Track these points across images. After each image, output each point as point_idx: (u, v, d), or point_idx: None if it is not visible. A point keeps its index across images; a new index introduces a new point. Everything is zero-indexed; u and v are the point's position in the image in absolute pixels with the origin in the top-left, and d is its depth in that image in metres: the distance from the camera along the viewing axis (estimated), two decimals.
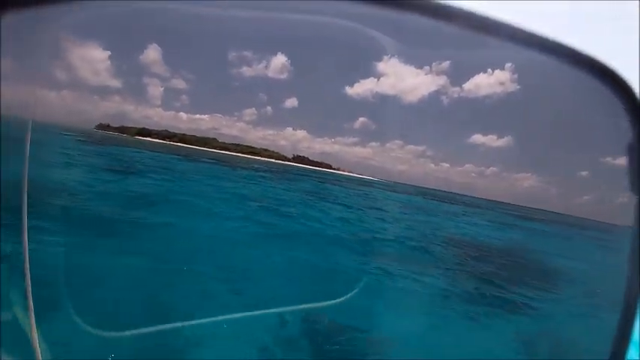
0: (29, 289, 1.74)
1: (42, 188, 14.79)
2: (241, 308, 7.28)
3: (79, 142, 51.98)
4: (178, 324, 4.93)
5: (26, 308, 1.77)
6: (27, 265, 1.75)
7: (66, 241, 9.56)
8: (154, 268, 8.89)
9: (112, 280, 7.93)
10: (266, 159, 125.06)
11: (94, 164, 28.69)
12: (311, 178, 58.84)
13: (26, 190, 1.76)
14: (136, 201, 16.17)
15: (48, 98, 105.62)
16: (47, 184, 15.94)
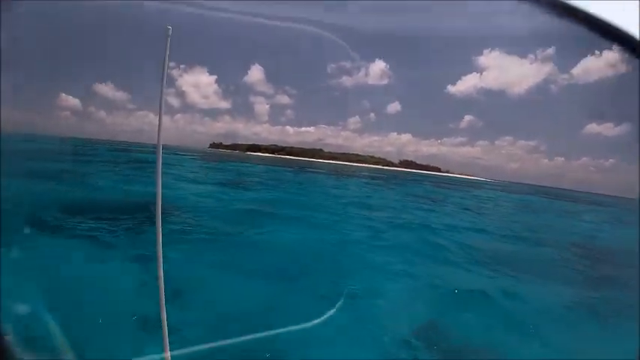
0: (162, 291, 1.87)
1: (166, 203, 15.79)
2: (362, 319, 6.84)
3: (193, 160, 56.42)
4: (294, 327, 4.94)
5: (159, 309, 1.89)
6: (160, 274, 1.87)
7: (188, 247, 10.47)
8: (275, 275, 8.91)
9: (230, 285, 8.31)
10: (373, 165, 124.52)
11: (213, 179, 30.69)
12: (420, 183, 55.83)
13: (160, 204, 1.94)
14: (252, 212, 16.17)
15: (165, 124, 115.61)
16: (171, 199, 17.24)
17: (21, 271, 7.65)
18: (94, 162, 36.53)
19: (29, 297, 6.61)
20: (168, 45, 1.85)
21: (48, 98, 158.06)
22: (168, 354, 1.96)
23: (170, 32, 1.84)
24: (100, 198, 16.78)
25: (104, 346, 5.45)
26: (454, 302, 8.03)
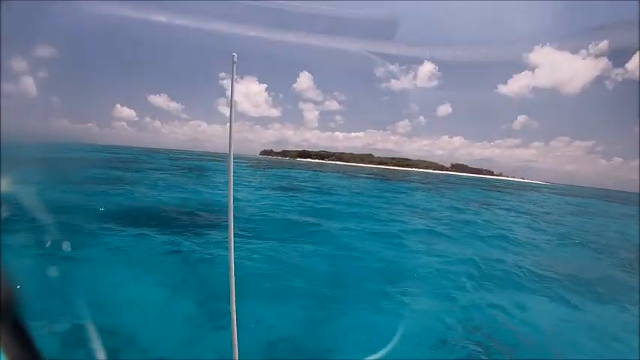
0: (232, 288, 1.96)
1: (222, 208, 16.30)
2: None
3: (245, 167, 57.54)
4: None
5: (229, 305, 1.97)
6: (232, 274, 1.95)
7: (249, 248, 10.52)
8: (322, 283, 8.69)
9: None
10: (423, 170, 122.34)
11: (266, 185, 31.08)
12: (473, 187, 54.22)
13: (232, 210, 2.01)
14: (304, 216, 16.33)
15: (217, 132, 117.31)
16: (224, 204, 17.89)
17: (87, 272, 8.23)
18: (150, 169, 38.30)
19: (96, 294, 6.96)
20: (234, 70, 1.95)
21: (106, 110, 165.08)
22: (236, 355, 2.00)
23: (236, 59, 1.95)
24: (156, 203, 17.55)
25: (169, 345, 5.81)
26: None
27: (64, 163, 39.49)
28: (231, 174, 2.06)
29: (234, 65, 1.95)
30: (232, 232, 2.01)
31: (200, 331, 6.29)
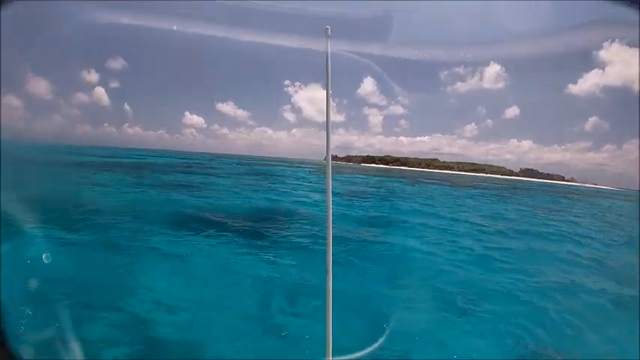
0: (329, 298, 1.93)
1: (288, 210, 17.55)
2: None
3: (311, 173, 57.72)
4: None
5: (325, 305, 1.93)
6: (329, 277, 1.93)
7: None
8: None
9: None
10: (490, 175, 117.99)
11: (336, 190, 30.25)
12: (544, 193, 51.94)
13: (330, 215, 2.00)
14: (372, 220, 16.48)
15: (282, 138, 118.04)
16: (293, 207, 18.74)
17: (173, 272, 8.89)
18: (218, 175, 39.52)
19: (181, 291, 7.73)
20: (329, 44, 1.80)
21: (176, 118, 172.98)
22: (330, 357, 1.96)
23: (329, 32, 1.81)
24: (225, 206, 17.97)
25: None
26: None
27: (142, 168, 41.82)
28: (329, 179, 2.03)
29: (328, 41, 1.82)
30: (330, 232, 1.98)
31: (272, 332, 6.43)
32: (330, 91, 1.91)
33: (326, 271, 1.95)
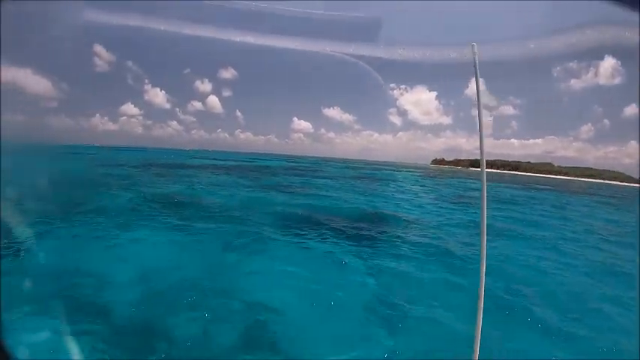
0: (481, 300, 1.91)
1: (395, 217, 17.71)
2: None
3: (417, 176, 57.68)
4: None
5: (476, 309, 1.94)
6: (482, 279, 1.90)
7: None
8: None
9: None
10: (607, 181, 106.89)
11: (439, 195, 31.13)
12: None
13: (485, 222, 1.95)
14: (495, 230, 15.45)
15: (388, 141, 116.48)
16: (398, 213, 18.97)
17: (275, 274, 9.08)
18: (325, 177, 41.83)
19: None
20: (477, 63, 1.81)
21: (285, 123, 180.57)
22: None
23: (476, 49, 1.81)
24: (332, 209, 18.45)
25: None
26: None
27: (253, 170, 46.55)
28: (484, 185, 1.97)
29: (475, 56, 1.82)
30: (485, 237, 1.92)
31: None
32: (480, 98, 1.95)
33: (479, 276, 1.90)
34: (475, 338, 1.98)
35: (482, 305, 1.95)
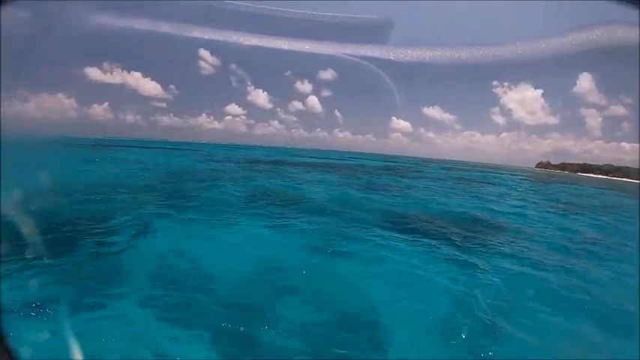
0: None
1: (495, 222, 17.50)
2: None
3: (522, 181, 55.56)
4: None
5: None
6: None
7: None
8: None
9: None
10: None
11: (546, 202, 29.48)
12: None
13: None
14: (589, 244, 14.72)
15: (490, 142, 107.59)
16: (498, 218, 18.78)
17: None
18: (424, 178, 41.87)
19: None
20: None
21: (384, 123, 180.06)
22: None
23: None
24: (422, 209, 18.59)
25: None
26: None
27: (351, 169, 47.58)
28: None
29: None
30: None
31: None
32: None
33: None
34: None
35: None
